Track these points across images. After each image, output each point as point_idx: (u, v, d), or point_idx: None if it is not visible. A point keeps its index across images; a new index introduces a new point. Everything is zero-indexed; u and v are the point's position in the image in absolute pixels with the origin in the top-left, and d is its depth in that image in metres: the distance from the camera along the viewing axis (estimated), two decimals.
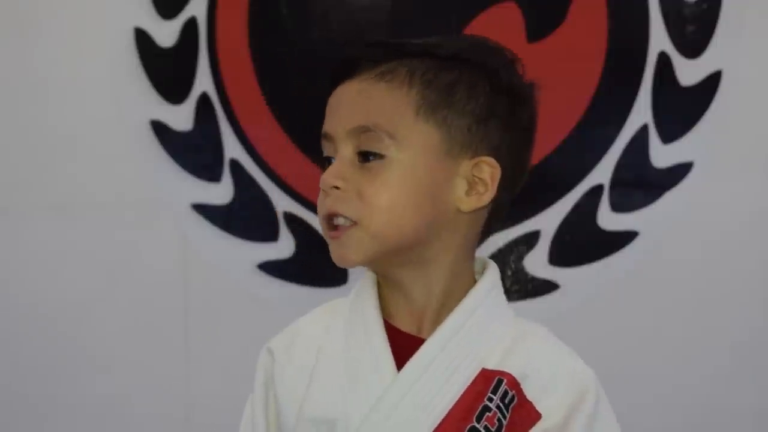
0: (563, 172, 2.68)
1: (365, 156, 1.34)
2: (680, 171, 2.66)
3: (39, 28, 2.71)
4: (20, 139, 2.72)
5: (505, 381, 1.34)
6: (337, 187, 1.33)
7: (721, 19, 2.65)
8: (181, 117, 2.70)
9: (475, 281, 1.40)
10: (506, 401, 1.33)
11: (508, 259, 2.68)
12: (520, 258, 2.68)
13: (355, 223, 1.33)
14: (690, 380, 2.65)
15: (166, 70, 2.71)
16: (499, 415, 1.33)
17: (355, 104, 1.35)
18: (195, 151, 2.71)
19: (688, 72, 2.66)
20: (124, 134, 2.71)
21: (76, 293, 2.71)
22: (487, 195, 1.38)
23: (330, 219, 1.34)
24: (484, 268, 1.42)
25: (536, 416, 1.34)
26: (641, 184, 2.67)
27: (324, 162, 1.38)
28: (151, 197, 2.71)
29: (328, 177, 1.34)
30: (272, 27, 2.71)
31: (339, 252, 1.35)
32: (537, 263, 2.68)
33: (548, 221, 2.68)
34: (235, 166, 2.69)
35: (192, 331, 2.70)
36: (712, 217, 2.66)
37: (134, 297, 2.71)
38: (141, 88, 2.70)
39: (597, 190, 2.67)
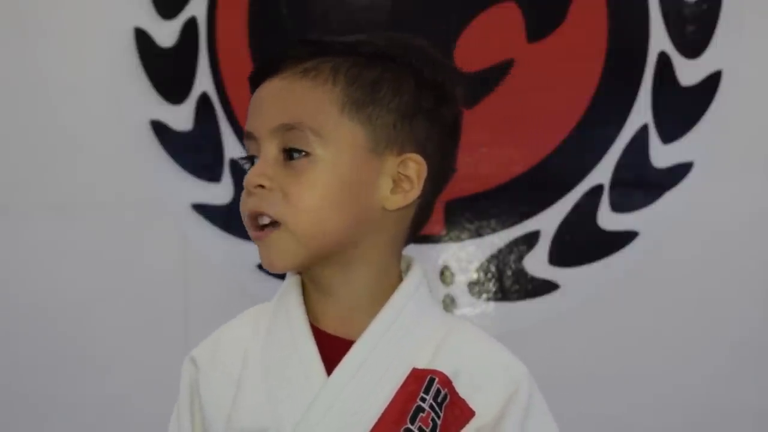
0: (563, 172, 2.68)
1: (290, 153, 1.32)
2: (680, 171, 2.66)
3: (39, 28, 2.71)
4: (20, 139, 2.73)
5: (437, 379, 1.32)
6: (262, 186, 1.31)
7: (721, 19, 2.65)
8: (181, 117, 2.71)
9: (401, 280, 1.38)
10: (439, 400, 1.32)
11: (508, 259, 2.68)
12: (520, 258, 2.68)
13: (278, 224, 1.31)
14: (690, 380, 2.65)
15: (166, 70, 2.71)
16: (432, 414, 1.31)
17: (278, 102, 1.34)
18: (195, 151, 2.71)
19: (688, 72, 2.66)
20: (124, 134, 2.71)
21: (76, 293, 2.71)
22: (412, 192, 1.35)
23: (254, 218, 1.32)
24: (408, 267, 1.40)
25: (469, 413, 1.33)
26: (641, 184, 2.67)
27: (248, 162, 1.36)
28: (151, 197, 2.71)
29: (252, 176, 1.31)
30: (272, 27, 2.70)
31: (264, 254, 1.33)
32: (537, 263, 2.68)
33: (548, 221, 2.68)
34: (235, 166, 2.69)
35: (192, 331, 2.70)
36: (712, 217, 2.66)
37: (134, 297, 2.71)
38: (141, 88, 2.70)
39: (597, 190, 2.67)
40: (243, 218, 1.34)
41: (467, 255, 2.69)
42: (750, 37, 2.65)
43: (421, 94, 1.36)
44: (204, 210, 2.71)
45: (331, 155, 1.31)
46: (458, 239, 2.68)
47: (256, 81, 1.39)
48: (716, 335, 2.65)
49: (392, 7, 2.69)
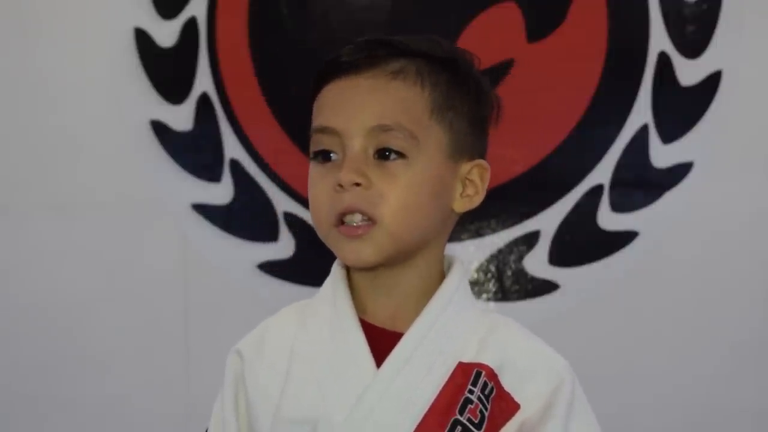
0: (563, 172, 2.68)
1: (385, 154, 1.34)
2: (680, 171, 2.66)
3: (40, 28, 2.71)
4: (21, 139, 2.73)
5: (483, 373, 1.35)
6: (358, 184, 1.33)
7: (721, 19, 2.65)
8: (181, 117, 2.71)
9: (443, 277, 1.41)
10: (486, 393, 1.34)
11: (508, 259, 2.68)
12: (520, 258, 2.68)
13: (374, 222, 1.33)
14: (690, 380, 2.65)
15: (166, 70, 2.71)
16: (480, 406, 1.33)
17: (372, 102, 1.35)
18: (195, 151, 2.71)
19: (688, 72, 2.66)
20: (124, 134, 2.71)
21: (77, 293, 2.71)
22: (477, 197, 1.40)
23: (343, 215, 1.34)
24: (450, 265, 1.43)
25: (515, 407, 1.35)
26: (641, 184, 2.67)
27: (317, 155, 1.37)
28: (151, 197, 2.71)
29: (349, 173, 1.33)
30: (272, 27, 2.71)
31: (356, 250, 1.34)
32: (537, 263, 2.68)
33: (548, 221, 2.68)
34: (235, 166, 2.69)
35: (192, 331, 2.70)
36: (712, 217, 2.66)
37: (134, 297, 2.71)
38: (141, 88, 2.71)
39: (597, 190, 2.67)
40: (325, 214, 1.35)
41: (467, 255, 2.69)
42: (750, 37, 2.65)
43: (480, 102, 1.41)
44: (204, 210, 2.71)
45: (424, 158, 1.35)
46: (458, 239, 2.68)
47: (323, 79, 1.39)
48: (716, 335, 2.65)
49: (392, 7, 2.69)
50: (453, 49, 1.42)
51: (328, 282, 1.42)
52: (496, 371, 1.35)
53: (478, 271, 2.69)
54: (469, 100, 1.39)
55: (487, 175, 1.40)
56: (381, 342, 1.35)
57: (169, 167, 2.71)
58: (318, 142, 1.37)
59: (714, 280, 2.66)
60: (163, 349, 2.71)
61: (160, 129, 2.70)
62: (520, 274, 2.68)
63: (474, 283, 2.68)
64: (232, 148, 2.70)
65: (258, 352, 1.41)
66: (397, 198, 1.33)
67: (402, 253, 1.36)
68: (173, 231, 2.71)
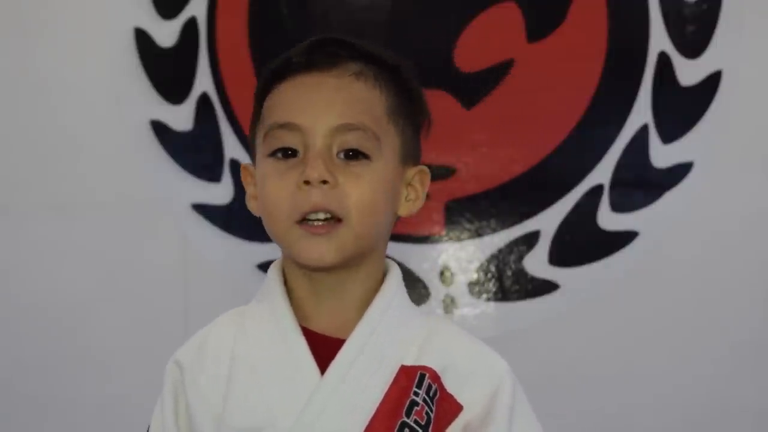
0: (563, 172, 2.68)
1: (350, 154, 1.34)
2: (680, 171, 2.66)
3: (40, 28, 2.71)
4: (21, 139, 2.73)
5: (427, 375, 1.35)
6: (325, 182, 1.33)
7: (721, 19, 2.65)
8: (181, 117, 2.71)
9: (382, 282, 1.41)
10: (431, 395, 1.35)
11: (508, 259, 2.68)
12: (520, 258, 2.68)
13: (339, 221, 1.33)
14: (690, 380, 2.65)
15: (166, 70, 2.71)
16: (426, 408, 1.34)
17: (338, 101, 1.35)
18: (195, 151, 2.71)
19: (688, 72, 2.66)
20: (124, 134, 2.71)
21: (77, 293, 2.71)
22: (418, 202, 1.42)
23: (307, 214, 1.33)
24: (387, 269, 1.43)
25: (457, 408, 1.36)
26: (641, 184, 2.67)
27: (276, 152, 1.36)
28: (151, 197, 2.71)
29: (319, 171, 1.32)
30: (272, 27, 2.70)
31: (319, 249, 1.33)
32: (537, 263, 2.68)
33: (548, 221, 2.68)
34: (235, 166, 2.69)
35: (192, 331, 2.68)
36: (712, 217, 2.66)
37: (134, 297, 2.71)
38: (141, 88, 2.71)
39: (597, 190, 2.67)
40: (288, 212, 1.34)
41: (467, 255, 2.69)
42: (750, 37, 2.65)
43: (421, 111, 1.43)
44: (204, 210, 2.71)
45: (383, 161, 1.36)
46: (458, 239, 2.68)
47: (279, 74, 1.39)
48: (716, 335, 2.65)
49: (392, 7, 2.69)
50: (397, 57, 1.42)
51: (265, 287, 1.42)
52: (439, 373, 1.36)
53: (478, 271, 2.69)
54: (414, 108, 1.41)
55: (428, 181, 1.42)
56: (323, 348, 1.35)
57: (169, 167, 2.71)
58: (279, 139, 1.36)
59: (714, 280, 2.66)
60: (163, 349, 2.69)
61: (160, 129, 2.70)
62: (520, 274, 2.68)
63: (474, 283, 2.68)
64: (232, 148, 2.70)
65: (198, 360, 1.42)
66: (362, 198, 1.33)
67: (357, 255, 1.36)
68: (173, 231, 2.71)
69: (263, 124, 1.40)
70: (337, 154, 1.34)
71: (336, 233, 1.33)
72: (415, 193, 1.41)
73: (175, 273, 2.71)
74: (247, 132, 2.70)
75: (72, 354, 2.71)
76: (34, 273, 2.72)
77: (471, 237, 2.69)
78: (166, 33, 2.71)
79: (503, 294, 2.68)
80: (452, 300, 2.67)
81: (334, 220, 1.33)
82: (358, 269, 1.38)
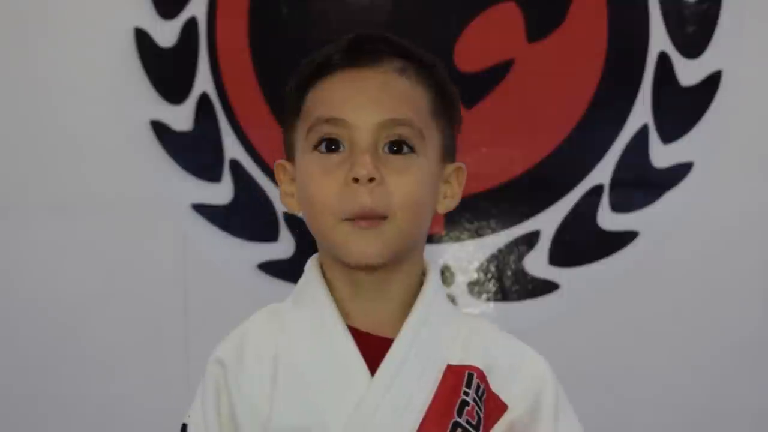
0: (563, 172, 2.68)
1: (396, 148, 1.34)
2: (680, 171, 2.66)
3: (39, 28, 2.71)
4: (21, 139, 2.72)
5: (475, 375, 1.35)
6: (373, 179, 1.32)
7: (721, 19, 2.65)
8: (181, 117, 2.71)
9: (422, 280, 1.41)
10: (479, 394, 1.35)
11: (508, 259, 2.68)
12: (520, 258, 2.68)
13: (384, 218, 1.33)
14: (690, 380, 2.65)
15: (166, 70, 2.71)
16: (476, 408, 1.34)
17: (383, 95, 1.35)
18: (195, 151, 2.71)
19: (688, 72, 2.66)
20: (124, 134, 2.71)
21: (77, 293, 2.71)
22: (455, 199, 1.42)
23: (356, 215, 1.32)
24: (424, 267, 1.43)
25: (503, 407, 1.36)
26: (641, 184, 2.67)
27: (320, 145, 1.35)
28: (151, 197, 2.71)
29: (366, 167, 1.32)
30: (272, 27, 2.71)
31: (367, 246, 1.33)
32: (537, 263, 2.68)
33: (548, 221, 2.68)
34: (235, 166, 2.69)
35: (192, 331, 2.70)
36: (712, 217, 2.66)
37: (134, 297, 2.71)
38: (141, 88, 2.70)
39: (597, 190, 2.67)
40: (328, 207, 1.33)
41: (467, 255, 2.69)
42: (750, 37, 2.66)
43: (457, 109, 1.43)
44: (204, 210, 2.71)
45: (428, 156, 1.36)
46: (458, 239, 2.68)
47: (320, 69, 1.38)
48: (716, 335, 2.65)
49: (392, 7, 2.69)
50: (433, 56, 1.43)
51: (304, 286, 1.41)
52: (485, 373, 1.36)
53: (478, 271, 2.69)
54: (452, 106, 1.41)
55: (464, 179, 1.42)
56: (367, 347, 1.35)
57: (169, 167, 2.71)
58: (324, 132, 1.35)
59: (714, 280, 2.66)
60: (163, 349, 2.70)
61: (160, 129, 2.70)
62: (520, 274, 2.68)
63: (474, 283, 2.68)
64: (232, 148, 2.70)
65: (238, 359, 1.39)
66: (408, 193, 1.33)
67: (401, 252, 1.35)
68: (173, 231, 2.71)
69: (306, 120, 1.37)
70: (383, 147, 1.34)
71: (380, 230, 1.32)
72: (452, 191, 1.41)
73: (175, 273, 2.71)
74: (247, 132, 2.72)
75: (72, 354, 2.70)
76: (35, 273, 2.72)
77: (471, 237, 2.69)
78: (166, 33, 2.71)
79: (503, 294, 2.68)
80: (452, 300, 2.67)
81: (380, 217, 1.33)
82: (400, 267, 1.37)
